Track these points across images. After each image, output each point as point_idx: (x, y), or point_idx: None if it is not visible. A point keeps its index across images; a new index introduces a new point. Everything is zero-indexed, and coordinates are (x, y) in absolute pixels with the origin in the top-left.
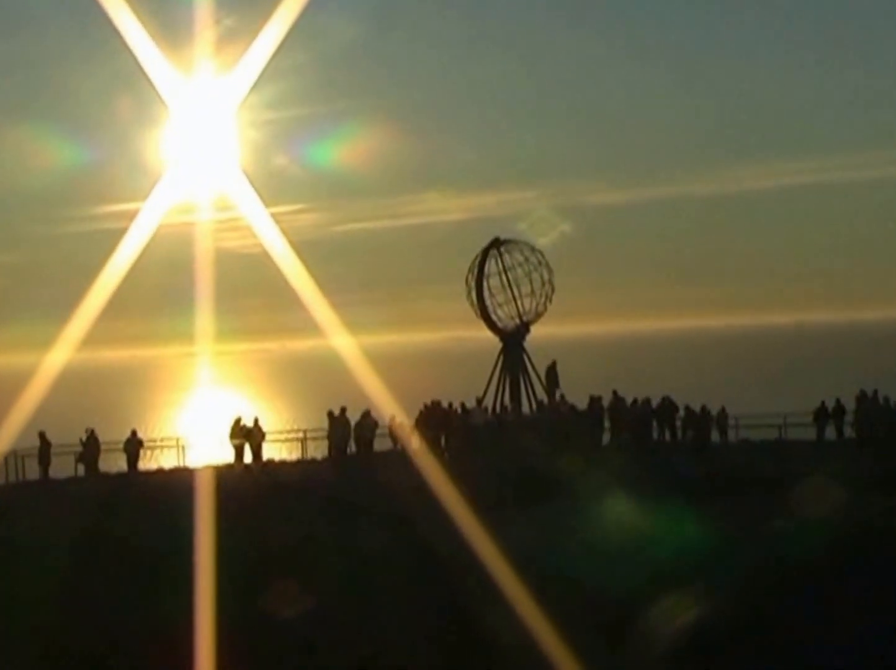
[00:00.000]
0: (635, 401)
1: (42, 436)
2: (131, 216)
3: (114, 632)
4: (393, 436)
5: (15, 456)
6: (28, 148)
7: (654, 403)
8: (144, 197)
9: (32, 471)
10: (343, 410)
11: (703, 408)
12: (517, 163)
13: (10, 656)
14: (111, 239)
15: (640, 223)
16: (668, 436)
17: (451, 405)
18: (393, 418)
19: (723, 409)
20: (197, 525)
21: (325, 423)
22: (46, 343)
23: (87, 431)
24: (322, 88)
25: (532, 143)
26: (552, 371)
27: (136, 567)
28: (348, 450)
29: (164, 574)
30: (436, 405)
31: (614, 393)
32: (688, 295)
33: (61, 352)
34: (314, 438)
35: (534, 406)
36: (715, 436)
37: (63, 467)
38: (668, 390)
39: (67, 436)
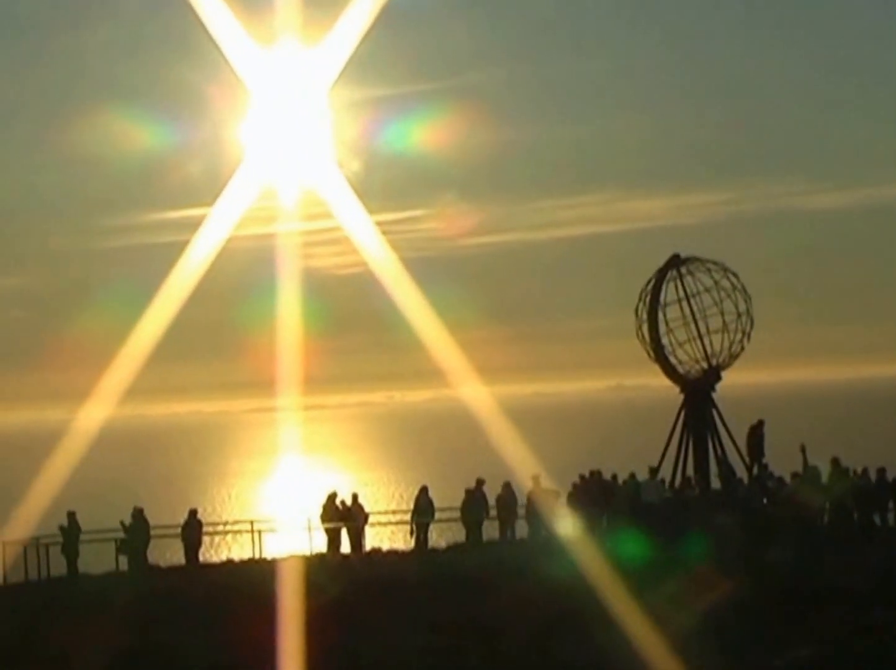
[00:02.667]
0: (864, 471)
1: (71, 517)
2: (195, 225)
3: None
4: (533, 510)
5: (37, 544)
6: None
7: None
8: (213, 202)
9: (59, 565)
10: (479, 483)
11: None
12: (700, 158)
13: None
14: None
15: (867, 233)
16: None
17: (615, 477)
18: (536, 479)
19: None
20: (278, 639)
21: (444, 501)
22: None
23: (132, 511)
24: (440, 59)
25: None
26: (757, 433)
27: None
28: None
29: None
30: (595, 476)
31: (833, 460)
32: None
33: (100, 406)
34: (439, 520)
35: (726, 479)
36: None
37: (98, 559)
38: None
39: (105, 518)
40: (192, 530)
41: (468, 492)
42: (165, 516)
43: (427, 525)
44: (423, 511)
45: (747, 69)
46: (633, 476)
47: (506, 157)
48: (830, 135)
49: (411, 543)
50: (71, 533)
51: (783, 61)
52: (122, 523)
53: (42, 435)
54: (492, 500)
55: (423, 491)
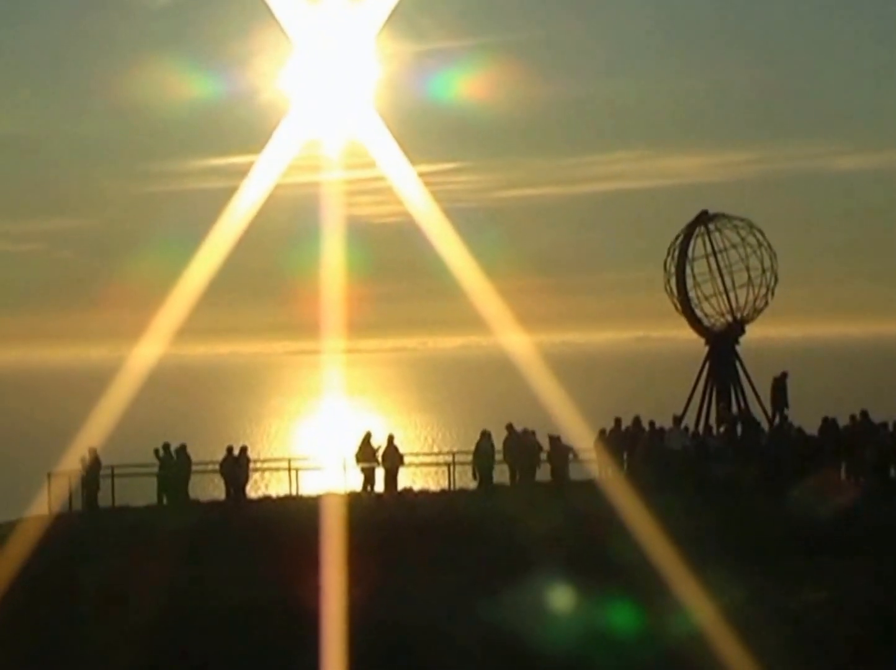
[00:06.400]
0: (884, 424)
1: (92, 452)
2: (243, 173)
3: None
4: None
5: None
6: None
7: None
8: (259, 149)
9: (106, 497)
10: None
11: None
12: (732, 116)
13: None
14: (216, 202)
15: (893, 195)
16: None
17: (638, 422)
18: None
19: None
20: (316, 573)
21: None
22: (132, 334)
23: (163, 446)
24: (483, 15)
25: (751, 91)
26: (780, 384)
27: (238, 627)
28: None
29: (275, 636)
30: (618, 424)
31: (863, 413)
32: None
33: (149, 346)
34: (463, 463)
35: (748, 428)
36: None
37: (140, 492)
38: None
39: (148, 452)
40: (240, 466)
41: (509, 433)
42: (205, 453)
43: (489, 467)
44: (484, 454)
45: (781, 32)
46: (652, 424)
47: (544, 113)
48: (859, 98)
49: (475, 484)
50: (92, 467)
51: (816, 25)
52: (155, 452)
53: (88, 372)
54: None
55: (485, 435)
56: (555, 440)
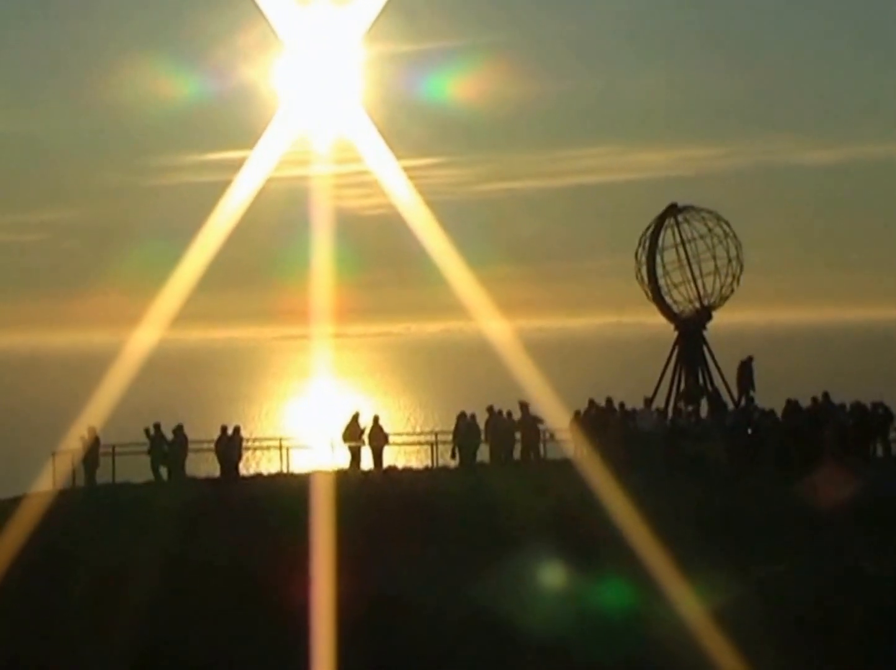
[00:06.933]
0: (843, 405)
1: (91, 431)
2: (236, 167)
3: None
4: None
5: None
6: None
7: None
8: (252, 145)
9: (106, 473)
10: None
11: None
12: (700, 113)
13: None
14: (211, 194)
15: (852, 187)
16: (880, 450)
17: (609, 403)
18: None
19: None
20: (306, 544)
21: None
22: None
23: (154, 426)
24: (465, 18)
25: (718, 89)
26: (746, 368)
27: (232, 595)
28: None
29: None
30: (592, 405)
31: (825, 395)
32: None
33: (147, 331)
34: (445, 442)
35: (714, 407)
36: None
37: (138, 470)
38: (882, 395)
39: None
40: (234, 445)
41: (491, 414)
42: (201, 432)
43: (473, 446)
44: (465, 433)
45: (747, 33)
46: (622, 405)
47: (521, 111)
48: (821, 96)
49: (454, 463)
50: (92, 446)
51: (781, 26)
52: (146, 431)
53: (89, 355)
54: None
55: (463, 416)
56: (525, 407)
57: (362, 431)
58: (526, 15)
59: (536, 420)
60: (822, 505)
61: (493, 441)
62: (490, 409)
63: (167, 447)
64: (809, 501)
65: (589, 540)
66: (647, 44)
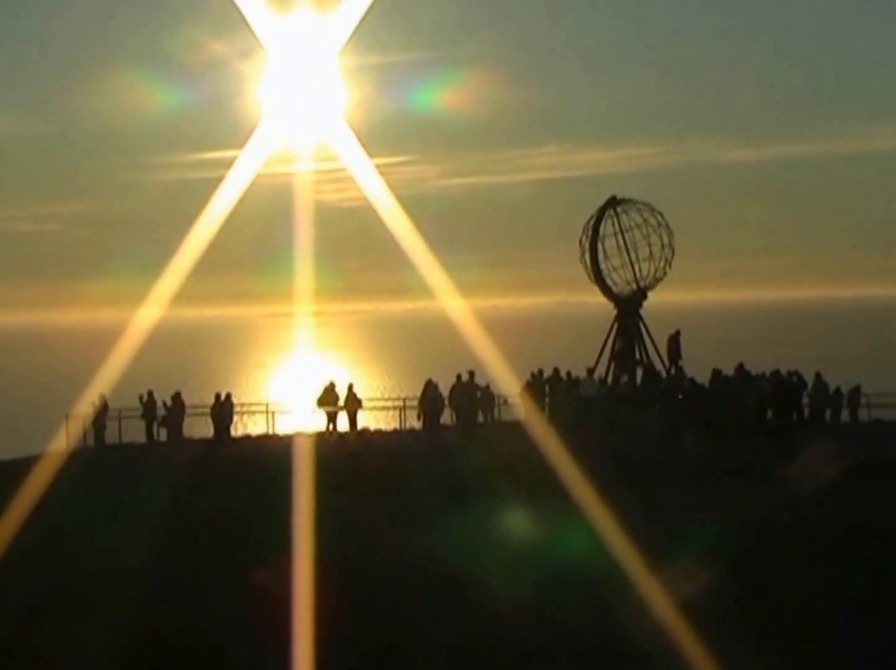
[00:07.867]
0: (762, 375)
1: (102, 398)
2: (227, 165)
3: (205, 613)
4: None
5: (96, 418)
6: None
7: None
8: (241, 145)
9: (112, 434)
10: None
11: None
12: (638, 116)
13: (100, 637)
14: (205, 189)
15: (772, 183)
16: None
17: (556, 372)
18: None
19: (857, 387)
20: (291, 496)
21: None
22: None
23: (147, 393)
24: (431, 32)
25: (655, 96)
26: (675, 341)
27: (229, 541)
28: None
29: (257, 548)
30: (540, 374)
31: (739, 366)
32: (826, 262)
33: (149, 310)
34: (411, 407)
35: (648, 378)
36: (844, 416)
37: (142, 432)
38: (797, 365)
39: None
40: (225, 410)
41: (457, 383)
42: (196, 398)
43: (436, 411)
44: (430, 399)
45: (678, 40)
46: (568, 374)
47: (481, 114)
48: (745, 100)
49: (419, 426)
50: (101, 411)
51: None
52: (139, 398)
53: (99, 331)
54: None
55: (430, 384)
56: (471, 375)
57: (338, 398)
58: (484, 31)
59: (478, 388)
60: (819, 480)
61: (456, 405)
62: (458, 377)
63: (166, 411)
64: (806, 479)
65: (536, 492)
66: (593, 55)
